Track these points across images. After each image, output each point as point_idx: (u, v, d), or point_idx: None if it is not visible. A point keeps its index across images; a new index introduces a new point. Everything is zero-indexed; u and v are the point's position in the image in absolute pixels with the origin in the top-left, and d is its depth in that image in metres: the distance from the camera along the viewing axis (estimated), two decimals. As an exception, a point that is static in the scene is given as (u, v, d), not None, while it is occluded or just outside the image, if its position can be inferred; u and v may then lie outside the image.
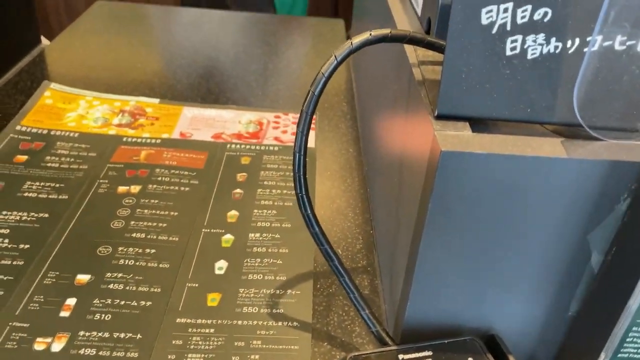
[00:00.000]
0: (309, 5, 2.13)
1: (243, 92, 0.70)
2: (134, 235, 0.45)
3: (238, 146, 0.58)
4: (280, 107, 0.67)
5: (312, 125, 0.63)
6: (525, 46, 0.28)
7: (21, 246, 0.43)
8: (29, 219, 0.46)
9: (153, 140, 0.58)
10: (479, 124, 0.30)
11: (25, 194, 0.49)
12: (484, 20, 0.28)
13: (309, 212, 0.35)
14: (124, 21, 0.89)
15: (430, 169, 0.29)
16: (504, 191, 0.28)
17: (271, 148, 0.58)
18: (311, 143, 0.60)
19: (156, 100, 0.65)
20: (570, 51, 0.28)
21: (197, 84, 0.71)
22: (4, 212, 0.46)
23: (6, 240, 0.43)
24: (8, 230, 0.44)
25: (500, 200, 0.29)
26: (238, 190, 0.52)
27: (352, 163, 0.58)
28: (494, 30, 0.28)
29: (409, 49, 0.38)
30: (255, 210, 0.49)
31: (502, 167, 0.28)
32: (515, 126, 0.31)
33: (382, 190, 0.46)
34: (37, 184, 0.50)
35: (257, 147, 0.58)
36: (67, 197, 0.49)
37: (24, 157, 0.53)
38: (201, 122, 0.62)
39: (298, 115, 0.65)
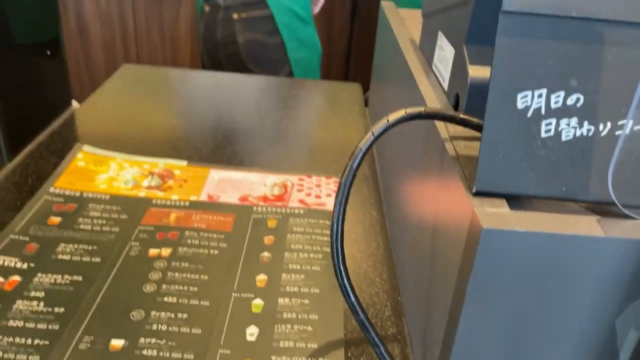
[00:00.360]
0: (323, 64, 2.20)
1: (267, 155, 0.72)
2: (166, 299, 0.46)
3: (264, 209, 0.60)
4: (303, 170, 0.69)
5: (335, 189, 0.65)
6: (560, 129, 0.29)
7: (56, 310, 0.44)
8: (63, 281, 0.47)
9: (182, 203, 0.59)
10: (514, 200, 0.31)
11: (59, 256, 0.50)
12: (520, 105, 0.29)
13: (346, 282, 0.36)
14: (149, 84, 0.93)
15: (470, 246, 0.30)
16: (542, 268, 0.29)
17: (296, 211, 0.60)
18: (335, 206, 0.61)
19: (184, 163, 0.67)
20: (602, 134, 0.29)
21: (223, 146, 0.73)
22: (39, 275, 0.47)
23: (41, 304, 0.44)
24: (43, 294, 0.45)
25: (538, 277, 0.29)
26: (266, 254, 0.53)
27: (377, 227, 0.59)
28: (529, 114, 0.29)
29: (439, 123, 0.40)
30: (284, 275, 0.50)
31: (540, 244, 0.28)
32: (550, 203, 0.32)
33: (410, 258, 0.47)
34: (71, 246, 0.51)
35: (283, 210, 0.60)
36: (99, 259, 0.50)
37: (58, 219, 0.55)
38: (228, 184, 0.64)
39: (321, 178, 0.67)
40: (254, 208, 0.60)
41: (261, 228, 0.56)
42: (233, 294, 0.47)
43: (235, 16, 1.27)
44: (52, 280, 0.47)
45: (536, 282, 0.29)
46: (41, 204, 0.57)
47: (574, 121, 0.29)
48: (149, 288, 0.47)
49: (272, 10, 1.26)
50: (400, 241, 0.52)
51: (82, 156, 0.66)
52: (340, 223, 0.35)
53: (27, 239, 0.52)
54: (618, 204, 0.30)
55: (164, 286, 0.47)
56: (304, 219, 0.58)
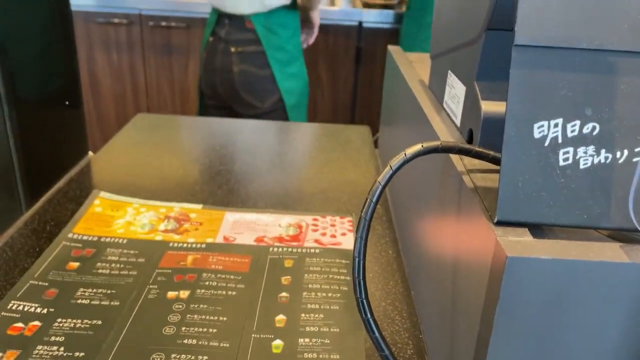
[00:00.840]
0: (329, 109, 2.24)
1: (281, 196, 0.73)
2: (185, 341, 0.45)
3: (280, 249, 0.60)
4: (317, 210, 0.69)
5: (350, 228, 0.65)
6: (577, 157, 0.30)
7: (76, 354, 0.43)
8: (82, 326, 0.47)
9: (198, 245, 0.60)
10: (536, 230, 0.31)
11: (79, 301, 0.50)
12: (537, 134, 0.30)
13: (369, 316, 0.36)
14: (163, 131, 0.95)
15: (495, 275, 0.30)
16: (568, 295, 0.29)
17: (312, 250, 0.60)
18: (350, 245, 0.61)
19: (199, 206, 0.68)
20: (620, 161, 0.30)
21: (237, 189, 0.74)
22: (59, 320, 0.47)
23: (62, 349, 0.44)
24: (63, 338, 0.45)
25: (564, 304, 0.29)
26: (284, 294, 0.52)
27: (393, 265, 0.59)
28: (547, 143, 0.30)
29: (454, 157, 0.41)
30: (303, 315, 0.50)
31: (566, 271, 0.28)
32: (571, 231, 0.32)
33: (431, 294, 0.46)
34: (90, 290, 0.51)
35: (299, 250, 0.60)
36: (118, 303, 0.50)
37: (76, 264, 0.55)
38: (243, 226, 0.64)
39: (336, 217, 0.67)
40: (270, 249, 0.60)
41: (278, 268, 0.56)
42: (253, 334, 0.47)
43: (232, 49, 1.43)
44: (72, 325, 0.47)
45: (563, 309, 0.29)
46: (60, 249, 0.57)
47: (591, 149, 0.30)
48: (168, 330, 0.47)
49: (264, 47, 1.43)
50: (418, 277, 0.52)
51: (99, 202, 0.67)
52: (362, 257, 0.36)
53: (47, 284, 0.52)
54: (640, 229, 0.30)
55: (183, 328, 0.47)
56: (320, 258, 0.58)
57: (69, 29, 0.78)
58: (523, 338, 0.30)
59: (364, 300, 0.36)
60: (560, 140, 0.30)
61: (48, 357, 0.43)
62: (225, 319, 0.49)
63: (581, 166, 0.30)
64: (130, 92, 2.26)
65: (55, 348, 0.44)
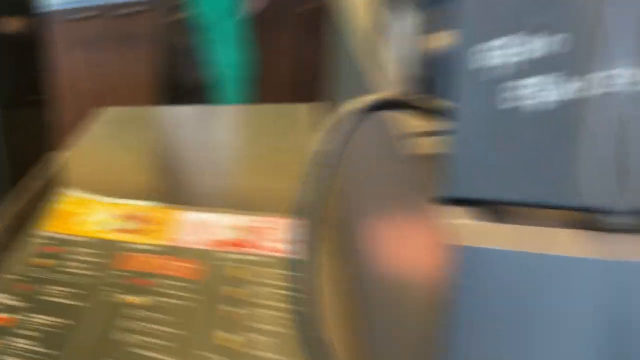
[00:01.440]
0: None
1: (243, 193, 0.69)
2: (135, 350, 0.43)
3: (235, 257, 0.56)
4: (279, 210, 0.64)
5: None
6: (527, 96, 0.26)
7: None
8: (49, 322, 0.46)
9: (156, 248, 0.57)
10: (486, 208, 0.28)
11: (40, 297, 0.49)
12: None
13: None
14: (125, 125, 0.91)
15: (446, 272, 0.26)
16: (527, 289, 0.26)
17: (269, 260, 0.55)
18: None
19: (158, 205, 0.65)
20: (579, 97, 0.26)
21: (200, 183, 0.70)
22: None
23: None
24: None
25: (525, 298, 0.26)
26: (231, 308, 0.49)
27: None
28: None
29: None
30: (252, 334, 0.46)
31: (518, 265, 0.25)
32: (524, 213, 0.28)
33: (384, 316, 0.43)
34: (51, 288, 0.51)
35: (255, 258, 0.55)
36: (74, 302, 0.49)
37: (39, 261, 0.54)
38: (200, 228, 0.60)
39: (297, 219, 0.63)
40: (225, 255, 0.56)
41: (230, 277, 0.53)
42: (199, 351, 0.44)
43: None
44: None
45: (524, 304, 0.26)
46: (24, 246, 0.56)
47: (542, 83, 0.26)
48: (118, 336, 0.44)
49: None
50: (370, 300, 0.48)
51: (65, 200, 0.66)
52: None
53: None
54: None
55: (135, 337, 0.44)
56: (277, 269, 0.54)
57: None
58: (482, 338, 0.27)
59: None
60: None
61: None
62: (179, 325, 0.46)
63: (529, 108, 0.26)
64: (111, 98, 2.19)
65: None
